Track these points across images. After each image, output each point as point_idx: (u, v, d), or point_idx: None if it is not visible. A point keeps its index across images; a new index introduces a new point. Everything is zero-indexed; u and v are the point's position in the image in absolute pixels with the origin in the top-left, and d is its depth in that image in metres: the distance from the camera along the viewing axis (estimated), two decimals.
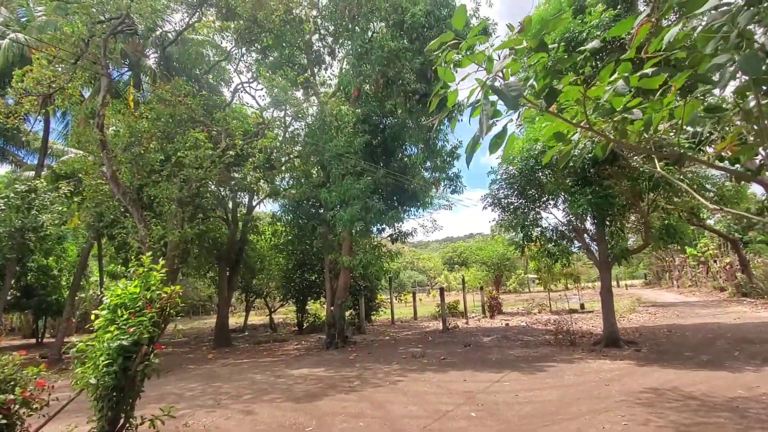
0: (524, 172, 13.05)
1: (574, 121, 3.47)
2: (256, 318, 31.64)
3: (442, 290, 21.75)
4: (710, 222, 29.27)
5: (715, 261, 32.79)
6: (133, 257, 7.75)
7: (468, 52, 3.36)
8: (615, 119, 3.52)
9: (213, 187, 16.14)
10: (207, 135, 13.83)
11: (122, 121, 13.23)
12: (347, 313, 20.42)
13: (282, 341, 18.61)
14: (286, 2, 15.13)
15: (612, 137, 3.58)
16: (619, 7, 11.80)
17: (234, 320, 27.36)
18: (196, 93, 16.08)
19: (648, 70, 3.07)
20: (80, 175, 13.53)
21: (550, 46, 3.15)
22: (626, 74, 3.09)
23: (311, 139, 16.50)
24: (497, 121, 3.24)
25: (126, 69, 20.41)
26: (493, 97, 2.91)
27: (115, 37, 15.56)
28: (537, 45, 2.97)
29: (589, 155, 10.87)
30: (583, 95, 3.17)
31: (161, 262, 6.75)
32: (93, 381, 5.55)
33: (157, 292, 6.38)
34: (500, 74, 3.23)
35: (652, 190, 11.18)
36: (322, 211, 17.06)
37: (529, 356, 11.61)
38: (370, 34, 16.32)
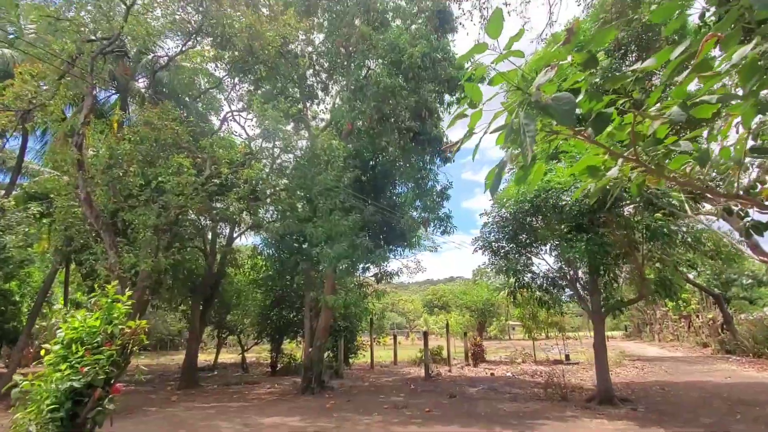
0: (517, 216, 12.76)
1: (611, 149, 3.06)
2: (228, 356, 30.16)
3: (426, 334, 20.96)
4: (690, 276, 29.32)
5: (697, 316, 32.69)
6: (98, 286, 6.99)
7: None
8: (659, 152, 3.13)
9: (193, 215, 15.42)
10: (191, 161, 13.27)
11: (103, 142, 12.63)
12: (324, 355, 19.49)
13: (254, 383, 17.50)
14: (283, 33, 14.95)
15: (656, 172, 3.18)
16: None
17: (204, 357, 25.96)
18: (184, 119, 15.68)
19: (707, 97, 2.68)
20: (52, 196, 12.76)
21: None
22: (682, 99, 2.70)
23: (299, 172, 16.11)
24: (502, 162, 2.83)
25: (114, 91, 19.98)
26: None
27: (104, 58, 15.17)
28: (586, 60, 2.56)
29: (586, 201, 10.64)
30: (633, 122, 2.76)
31: (128, 292, 6.07)
32: (33, 429, 4.76)
33: (120, 326, 5.67)
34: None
35: (649, 240, 10.90)
36: (305, 246, 16.46)
37: (520, 411, 10.90)
38: (365, 71, 16.27)
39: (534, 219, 13.46)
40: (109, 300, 5.75)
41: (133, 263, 11.75)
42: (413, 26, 17.47)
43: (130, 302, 5.93)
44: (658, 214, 10.28)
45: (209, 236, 19.14)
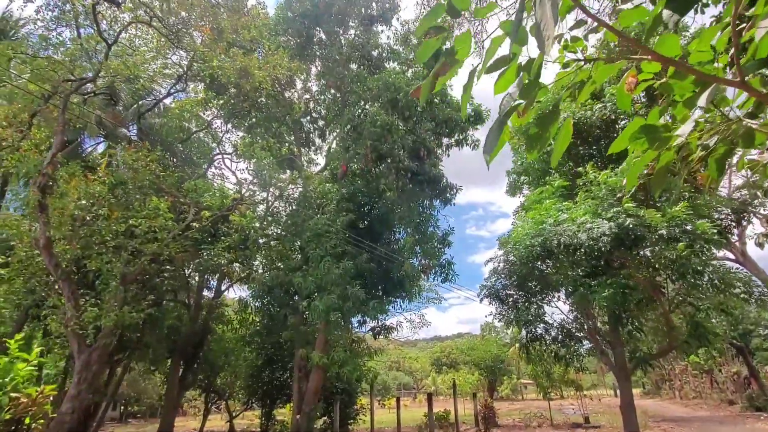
0: (526, 260, 11.51)
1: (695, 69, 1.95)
2: (214, 423, 27.84)
3: (430, 396, 19.00)
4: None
5: (720, 370, 30.31)
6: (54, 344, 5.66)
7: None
8: None
9: (172, 266, 14.22)
10: (169, 204, 12.24)
11: (73, 184, 11.66)
12: (320, 421, 17.57)
13: None
14: (274, 75, 14.39)
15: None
16: None
17: (193, 424, 23.81)
18: (171, 163, 14.90)
19: None
20: (12, 243, 11.65)
21: None
22: None
23: (291, 219, 15.20)
24: None
25: (102, 138, 19.38)
26: None
27: (88, 102, 14.57)
28: None
29: (603, 240, 9.40)
30: (734, 18, 1.62)
31: (35, 351, 4.73)
32: None
33: (14, 394, 4.29)
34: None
35: (678, 278, 9.53)
36: (296, 298, 15.16)
37: None
38: (360, 111, 15.67)
39: (544, 263, 12.28)
40: (8, 360, 4.44)
41: (94, 316, 10.42)
42: (410, 71, 17.07)
43: (36, 361, 4.59)
44: (681, 245, 8.98)
45: (194, 289, 17.83)
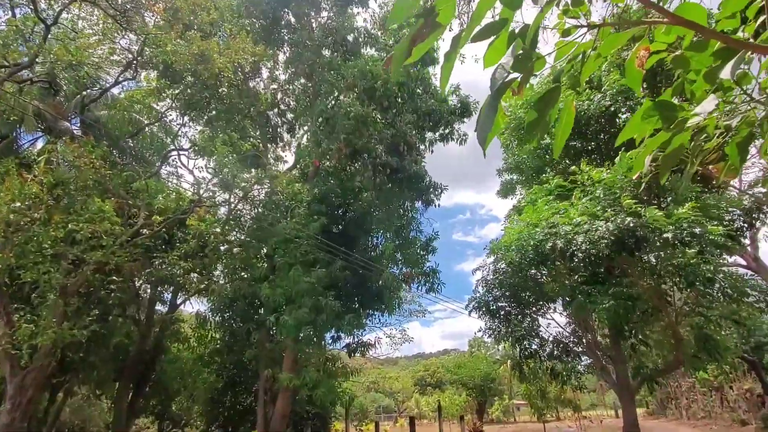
0: (519, 267, 11.51)
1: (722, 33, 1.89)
2: None
3: (412, 420, 18.91)
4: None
5: (730, 387, 30.91)
6: None
7: None
8: None
9: (119, 276, 13.82)
10: (114, 206, 11.88)
11: (7, 185, 11.20)
12: None
13: None
14: (236, 60, 14.14)
15: None
16: None
17: None
18: (119, 162, 14.52)
19: None
20: None
21: None
22: None
23: (256, 222, 15.00)
24: None
25: (41, 133, 18.79)
26: None
27: (22, 91, 14.10)
28: None
29: (604, 244, 9.42)
30: None
31: None
32: None
33: None
34: None
35: (687, 287, 9.60)
36: (262, 311, 14.93)
37: None
38: (333, 101, 15.54)
39: (539, 270, 12.31)
40: None
41: (29, 335, 10.00)
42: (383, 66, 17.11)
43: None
44: (691, 251, 9.06)
45: (145, 302, 17.38)
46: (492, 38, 1.85)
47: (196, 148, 16.89)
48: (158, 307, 18.12)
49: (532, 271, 11.93)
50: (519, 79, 1.89)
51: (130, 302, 16.27)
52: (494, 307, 12.95)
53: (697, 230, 8.93)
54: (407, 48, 1.88)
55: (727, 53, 2.03)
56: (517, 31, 1.84)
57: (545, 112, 1.98)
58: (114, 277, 13.80)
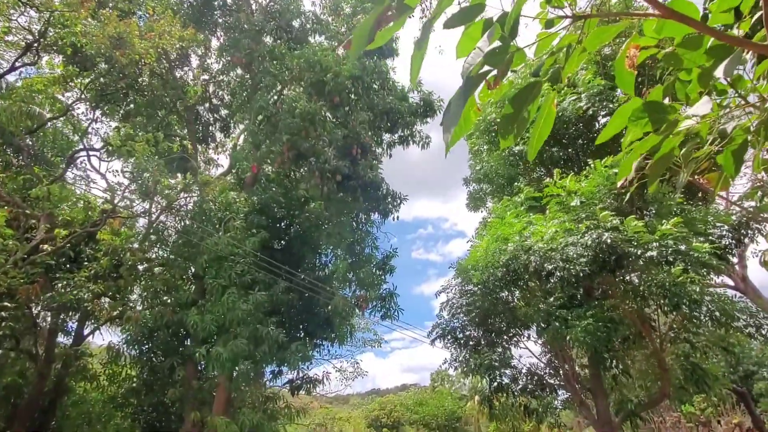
0: (488, 288, 11.69)
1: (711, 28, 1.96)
2: None
3: None
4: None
5: (718, 421, 32.28)
6: None
7: None
8: None
9: (12, 302, 13.22)
10: (9, 216, 11.39)
11: None
12: None
13: None
14: (159, 45, 13.88)
15: None
16: None
17: None
18: (13, 164, 13.95)
19: None
20: None
21: None
22: None
23: (184, 237, 14.72)
24: None
25: None
26: None
27: None
28: None
29: (581, 261, 9.69)
30: None
31: None
32: None
33: None
34: None
35: (672, 309, 9.96)
36: (189, 342, 14.60)
37: None
38: (276, 96, 15.48)
39: (510, 293, 12.56)
40: None
41: None
42: (341, 48, 17.12)
43: None
44: (677, 269, 9.42)
45: (45, 333, 16.63)
46: (466, 25, 1.87)
47: (110, 147, 16.38)
48: (61, 338, 17.33)
49: (503, 293, 12.13)
50: (495, 73, 1.91)
51: (26, 333, 15.56)
52: (461, 335, 13.03)
53: (683, 247, 9.30)
54: (370, 31, 1.88)
55: (721, 51, 2.10)
56: (494, 18, 1.86)
57: (523, 108, 2.01)
58: (6, 303, 13.20)
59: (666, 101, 2.34)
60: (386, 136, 16.42)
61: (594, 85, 13.01)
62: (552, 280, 10.49)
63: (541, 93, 2.02)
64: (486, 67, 1.87)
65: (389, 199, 15.67)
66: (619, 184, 2.92)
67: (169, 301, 15.23)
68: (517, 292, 12.17)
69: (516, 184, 14.28)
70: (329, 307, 14.65)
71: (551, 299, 11.14)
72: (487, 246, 11.89)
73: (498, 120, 15.29)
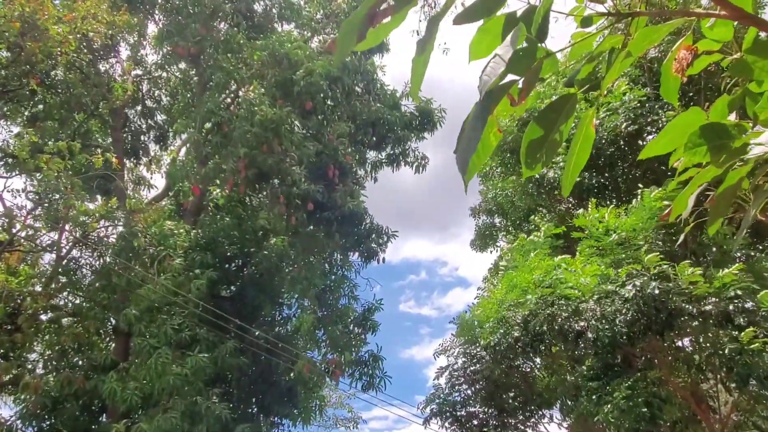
0: (501, 352, 11.76)
1: None
2: None
3: None
4: None
5: None
6: None
7: None
8: None
9: None
10: None
11: None
12: None
13: None
14: (81, 29, 14.05)
15: None
16: None
17: None
18: None
19: None
20: None
21: None
22: None
23: (103, 280, 14.68)
24: None
25: None
26: None
27: None
28: None
29: (620, 321, 9.82)
30: None
31: None
32: None
33: None
34: None
35: (739, 385, 10.07)
36: (104, 418, 14.64)
37: None
38: (229, 99, 15.66)
39: (529, 360, 12.63)
40: None
41: None
42: (315, 39, 17.43)
43: None
44: (747, 332, 9.52)
45: None
46: (482, 21, 1.88)
47: (10, 160, 16.45)
48: None
49: (519, 360, 12.20)
50: (520, 83, 1.88)
51: None
52: (463, 412, 13.11)
53: (750, 304, 9.46)
54: (360, 27, 1.84)
55: None
56: (519, 13, 1.86)
57: (553, 128, 2.00)
58: None
59: (732, 117, 2.43)
60: (371, 154, 16.61)
61: (634, 96, 13.32)
62: (582, 344, 10.58)
63: (576, 109, 2.06)
64: (508, 77, 1.83)
65: (373, 236, 15.75)
66: (671, 220, 2.99)
67: (80, 363, 15.11)
68: (538, 358, 12.21)
69: (532, 217, 14.46)
70: (291, 375, 14.64)
71: (581, 368, 11.23)
72: (500, 298, 12.01)
73: (518, 139, 15.54)
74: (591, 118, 2.11)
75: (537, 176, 14.32)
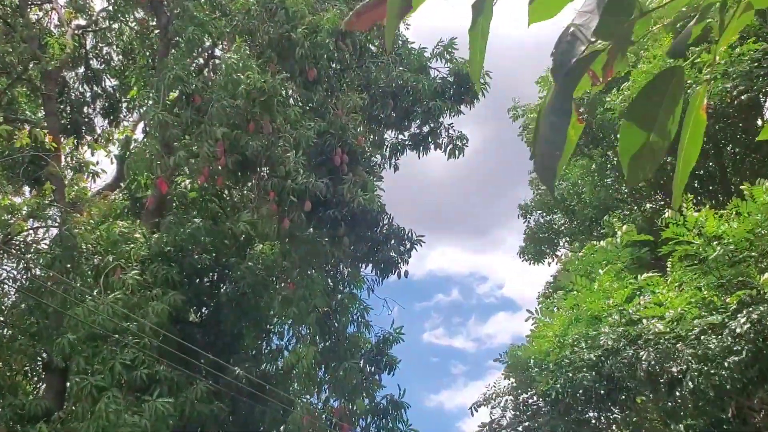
0: (565, 401, 11.61)
1: None
2: None
3: None
4: None
5: None
6: None
7: None
8: None
9: None
10: None
11: None
12: None
13: None
14: None
15: None
16: None
17: None
18: None
19: None
20: None
21: None
22: None
23: (34, 300, 14.64)
24: None
25: None
26: None
27: None
28: None
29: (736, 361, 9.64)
30: None
31: None
32: None
33: None
34: None
35: None
36: None
37: None
38: (202, 59, 15.56)
39: (603, 412, 12.48)
40: None
41: None
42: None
43: None
44: None
45: None
46: None
47: None
48: None
49: (591, 412, 12.03)
50: (607, 52, 1.83)
51: None
52: None
53: None
54: None
55: None
56: None
57: (656, 117, 1.87)
58: None
59: None
60: (391, 134, 16.44)
61: (747, 52, 13.06)
62: (678, 393, 10.40)
63: (683, 84, 1.90)
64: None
65: (392, 242, 15.60)
66: None
67: (1, 410, 15.06)
68: (616, 410, 12.04)
69: (607, 217, 14.14)
70: (283, 428, 14.57)
71: (677, 427, 11.10)
72: (561, 328, 11.86)
73: (592, 103, 15.43)
74: (701, 99, 1.91)
75: (616, 160, 14.10)
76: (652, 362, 10.43)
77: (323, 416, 15.20)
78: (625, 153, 1.83)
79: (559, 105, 1.67)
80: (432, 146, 16.26)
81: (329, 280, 15.71)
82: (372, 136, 15.85)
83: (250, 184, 14.88)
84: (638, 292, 11.38)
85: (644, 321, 10.84)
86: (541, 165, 1.71)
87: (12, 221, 14.74)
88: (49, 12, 17.97)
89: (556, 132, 1.66)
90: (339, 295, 15.82)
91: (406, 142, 16.44)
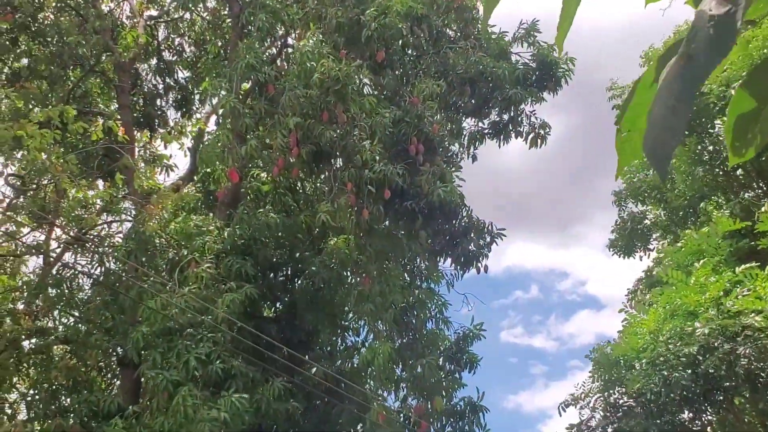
0: (659, 402, 11.27)
1: None
2: None
3: None
4: None
5: None
6: None
7: None
8: None
9: None
10: None
11: None
12: None
13: None
14: None
15: None
16: None
17: None
18: None
19: None
20: None
21: None
22: None
23: (106, 295, 14.81)
24: None
25: None
26: None
27: None
28: None
29: None
30: None
31: None
32: None
33: None
34: None
35: None
36: None
37: None
38: (275, 50, 15.51)
39: (698, 414, 12.10)
40: None
41: None
42: None
43: None
44: None
45: None
46: None
47: None
48: None
49: (686, 413, 11.68)
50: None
51: None
52: None
53: None
54: None
55: None
56: None
57: None
58: None
59: None
60: (469, 123, 16.21)
61: None
62: None
63: None
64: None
65: (472, 235, 15.37)
66: None
67: (75, 406, 15.12)
68: (712, 411, 11.67)
69: (703, 205, 13.75)
70: (360, 427, 14.57)
71: None
72: (654, 326, 11.53)
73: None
74: None
75: (712, 148, 13.74)
76: (751, 359, 10.06)
77: (401, 415, 15.14)
78: (732, 117, 1.75)
79: (687, 89, 1.49)
80: (513, 134, 16.01)
81: (406, 275, 15.65)
82: (449, 125, 15.69)
83: (323, 176, 14.81)
84: (736, 286, 10.99)
85: (742, 316, 10.44)
86: (654, 151, 1.55)
87: (85, 215, 14.82)
88: (121, 3, 18.13)
89: (678, 118, 1.51)
90: (416, 291, 15.76)
91: (486, 131, 16.25)
